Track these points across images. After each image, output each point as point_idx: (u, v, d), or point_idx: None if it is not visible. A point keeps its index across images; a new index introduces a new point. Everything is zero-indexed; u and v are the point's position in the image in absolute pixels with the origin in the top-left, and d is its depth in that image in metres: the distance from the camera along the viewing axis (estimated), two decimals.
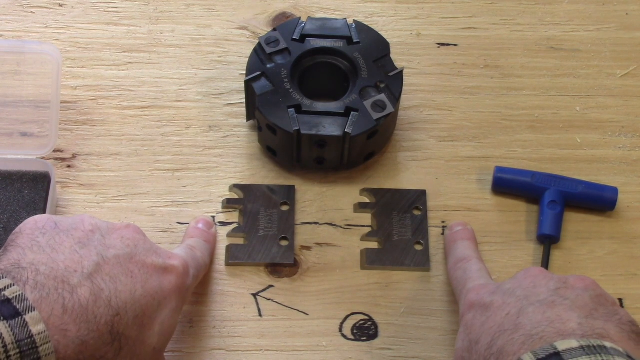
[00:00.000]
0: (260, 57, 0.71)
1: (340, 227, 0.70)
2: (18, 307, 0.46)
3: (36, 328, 0.46)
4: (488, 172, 0.73)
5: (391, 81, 0.70)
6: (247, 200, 0.70)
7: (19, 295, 0.47)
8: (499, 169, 0.71)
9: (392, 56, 0.72)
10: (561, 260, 0.68)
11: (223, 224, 0.69)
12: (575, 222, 0.70)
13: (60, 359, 0.48)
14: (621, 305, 0.66)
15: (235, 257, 0.67)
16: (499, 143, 0.75)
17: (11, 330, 0.45)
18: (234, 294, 0.66)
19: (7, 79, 0.72)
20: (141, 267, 0.54)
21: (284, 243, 0.68)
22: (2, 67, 0.72)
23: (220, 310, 0.65)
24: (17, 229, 0.54)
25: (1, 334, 0.45)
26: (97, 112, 0.75)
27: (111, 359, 0.51)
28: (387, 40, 0.73)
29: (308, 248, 0.68)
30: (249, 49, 0.73)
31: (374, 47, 0.72)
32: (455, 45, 0.81)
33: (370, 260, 0.68)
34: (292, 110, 0.68)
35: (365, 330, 0.65)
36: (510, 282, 0.57)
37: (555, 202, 0.69)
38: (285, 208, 0.70)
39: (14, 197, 0.68)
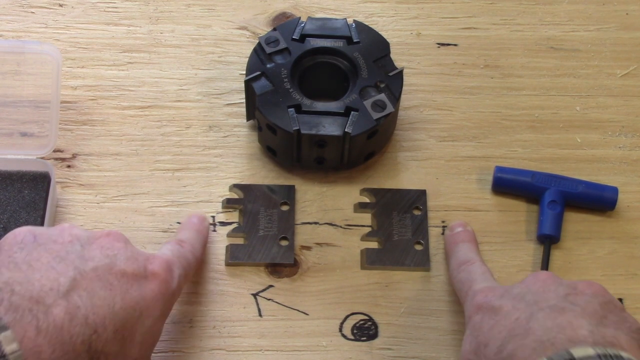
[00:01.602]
0: (260, 57, 0.71)
1: (340, 227, 0.70)
2: None
3: (9, 347, 0.46)
4: (488, 172, 0.73)
5: (391, 81, 0.70)
6: (247, 200, 0.70)
7: None
8: (499, 169, 0.71)
9: (392, 56, 0.72)
10: (561, 260, 0.68)
11: (223, 224, 0.69)
12: (575, 222, 0.70)
13: None
14: None
15: (235, 257, 0.67)
16: (499, 143, 0.75)
17: None
18: (234, 294, 0.66)
19: (7, 79, 0.72)
20: (120, 277, 0.53)
21: (284, 243, 0.68)
22: (2, 67, 0.72)
23: (220, 310, 0.65)
24: None
25: None
26: (97, 112, 0.75)
27: None
28: (387, 40, 0.73)
29: (308, 248, 0.68)
30: (249, 49, 0.73)
31: (374, 47, 0.72)
32: (455, 45, 0.81)
33: (370, 260, 0.68)
34: (292, 110, 0.68)
35: (365, 330, 0.65)
36: (519, 286, 0.56)
37: (555, 202, 0.69)
38: (285, 208, 0.70)
39: (14, 197, 0.68)
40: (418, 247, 0.68)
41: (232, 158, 0.73)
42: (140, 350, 0.54)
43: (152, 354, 0.57)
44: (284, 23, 0.74)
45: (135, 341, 0.53)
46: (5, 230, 0.67)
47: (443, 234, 0.69)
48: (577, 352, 0.47)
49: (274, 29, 0.73)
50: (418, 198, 0.71)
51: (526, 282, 0.56)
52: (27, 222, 0.67)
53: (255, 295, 0.66)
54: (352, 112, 0.68)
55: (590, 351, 0.47)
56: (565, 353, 0.47)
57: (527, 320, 0.52)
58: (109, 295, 0.52)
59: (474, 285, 0.60)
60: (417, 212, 0.70)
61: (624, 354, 0.47)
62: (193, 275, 0.63)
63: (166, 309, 0.56)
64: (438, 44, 0.81)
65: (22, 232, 0.53)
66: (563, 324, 0.50)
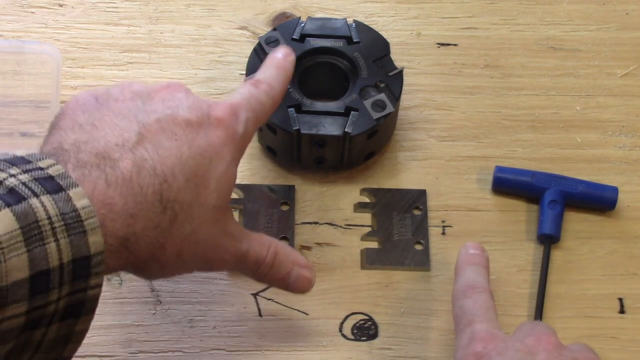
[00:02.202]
0: (260, 57, 0.71)
1: (340, 227, 0.70)
2: (61, 183, 0.46)
3: (80, 202, 0.45)
4: (488, 171, 0.72)
5: (391, 81, 0.70)
6: (247, 200, 0.70)
7: (62, 172, 0.46)
8: (499, 169, 0.71)
9: (392, 56, 0.72)
10: (561, 260, 0.68)
11: None
12: (576, 222, 0.70)
13: (108, 234, 0.47)
14: (621, 305, 0.66)
15: None
16: (499, 143, 0.75)
17: (55, 204, 0.44)
18: (234, 294, 0.66)
19: (7, 79, 0.72)
20: (185, 126, 0.52)
21: (284, 243, 0.68)
22: (2, 67, 0.72)
23: (220, 310, 0.65)
24: (59, 110, 0.53)
25: (46, 207, 0.44)
26: None
27: (167, 227, 0.50)
28: (387, 40, 0.73)
29: (308, 248, 0.68)
30: (249, 49, 0.73)
31: (374, 46, 0.72)
32: (455, 45, 0.81)
33: (370, 260, 0.68)
34: (292, 109, 0.68)
35: (365, 330, 0.65)
36: (521, 349, 0.53)
37: (555, 202, 0.69)
38: (285, 208, 0.70)
39: None
40: (418, 247, 0.68)
41: None
42: (218, 196, 0.53)
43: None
44: (284, 23, 0.74)
45: (211, 188, 0.52)
46: None
47: (444, 233, 0.69)
48: None
49: (274, 29, 0.73)
50: (418, 198, 0.71)
51: (529, 346, 0.53)
52: None
53: (255, 295, 0.66)
54: (352, 112, 0.68)
55: None
56: None
57: None
58: (175, 145, 0.51)
59: (475, 322, 0.56)
60: (417, 212, 0.70)
61: None
62: (271, 114, 0.61)
63: (237, 153, 0.56)
64: (438, 44, 0.81)
65: (83, 96, 0.53)
66: None
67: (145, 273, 0.53)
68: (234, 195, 0.70)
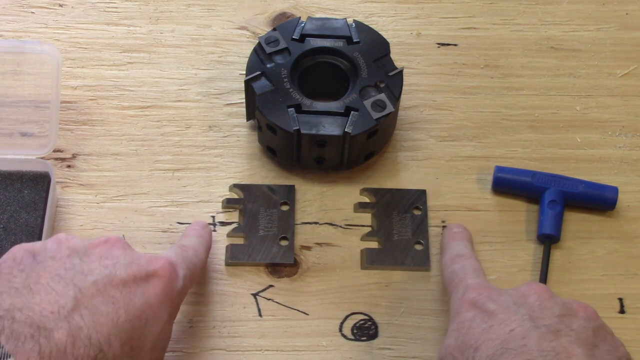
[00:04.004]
0: (260, 56, 0.71)
1: (340, 227, 0.70)
2: None
3: None
4: (488, 171, 0.73)
5: (391, 81, 0.70)
6: (247, 200, 0.70)
7: None
8: (499, 169, 0.71)
9: (392, 56, 0.72)
10: (561, 260, 0.68)
11: (223, 224, 0.69)
12: (576, 222, 0.70)
13: None
14: (621, 305, 0.66)
15: (235, 257, 0.67)
16: (499, 143, 0.75)
17: None
18: (234, 294, 0.66)
19: (7, 79, 0.72)
20: (122, 287, 0.52)
21: (284, 243, 0.68)
22: (2, 67, 0.72)
23: (220, 310, 0.65)
24: None
25: None
26: (97, 112, 0.75)
27: None
28: (387, 40, 0.73)
29: (308, 248, 0.68)
30: (249, 49, 0.73)
31: (374, 46, 0.72)
32: (455, 45, 0.81)
33: (370, 260, 0.68)
34: (292, 109, 0.68)
35: (365, 330, 0.65)
36: (514, 294, 0.56)
37: (555, 202, 0.69)
38: (285, 208, 0.70)
39: (14, 197, 0.68)
40: (418, 247, 0.68)
41: (232, 158, 0.73)
42: (152, 356, 0.53)
43: None
44: (284, 23, 0.74)
45: (146, 349, 0.52)
46: (5, 230, 0.67)
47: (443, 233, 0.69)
48: None
49: (274, 29, 0.73)
50: (418, 198, 0.71)
51: (521, 292, 0.56)
52: (27, 222, 0.67)
53: (255, 295, 0.66)
54: (352, 112, 0.68)
55: None
56: None
57: (523, 335, 0.52)
58: (112, 309, 0.51)
59: (466, 278, 0.60)
60: (417, 212, 0.70)
61: None
62: (199, 278, 0.64)
63: (173, 310, 0.56)
64: (438, 44, 0.81)
65: (20, 253, 0.53)
66: (558, 349, 0.50)
67: None
68: (234, 196, 0.71)
